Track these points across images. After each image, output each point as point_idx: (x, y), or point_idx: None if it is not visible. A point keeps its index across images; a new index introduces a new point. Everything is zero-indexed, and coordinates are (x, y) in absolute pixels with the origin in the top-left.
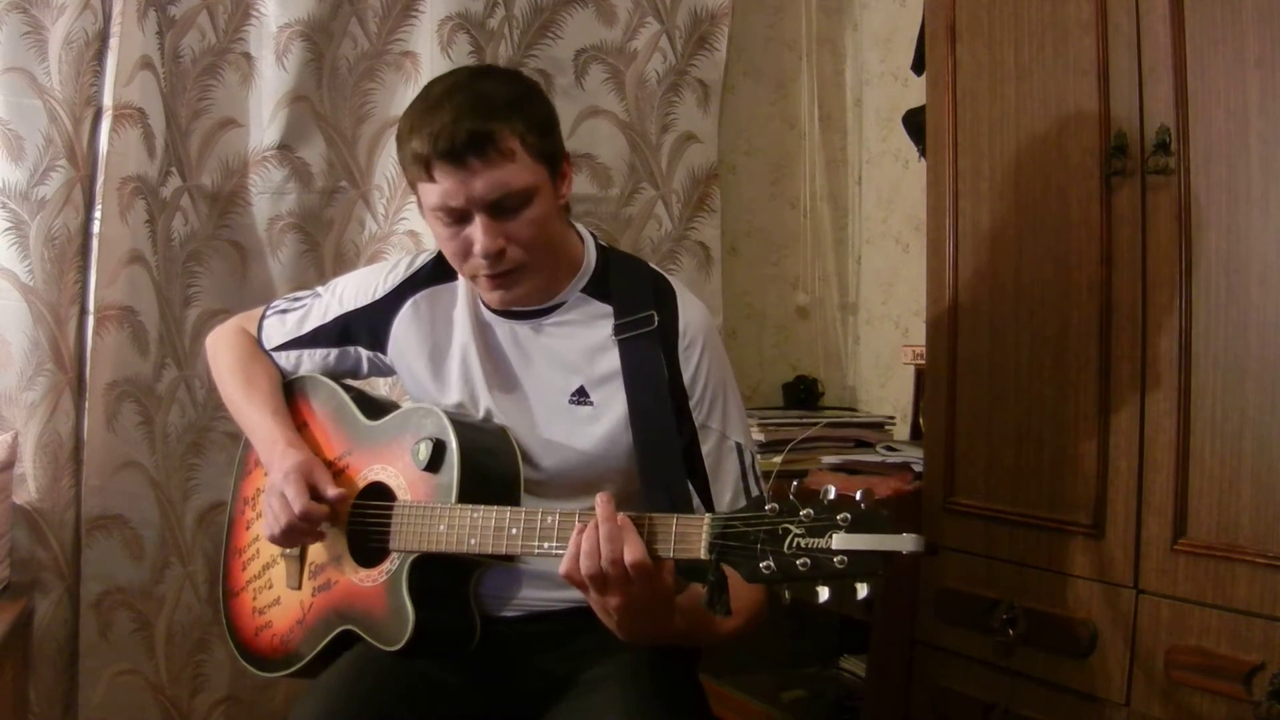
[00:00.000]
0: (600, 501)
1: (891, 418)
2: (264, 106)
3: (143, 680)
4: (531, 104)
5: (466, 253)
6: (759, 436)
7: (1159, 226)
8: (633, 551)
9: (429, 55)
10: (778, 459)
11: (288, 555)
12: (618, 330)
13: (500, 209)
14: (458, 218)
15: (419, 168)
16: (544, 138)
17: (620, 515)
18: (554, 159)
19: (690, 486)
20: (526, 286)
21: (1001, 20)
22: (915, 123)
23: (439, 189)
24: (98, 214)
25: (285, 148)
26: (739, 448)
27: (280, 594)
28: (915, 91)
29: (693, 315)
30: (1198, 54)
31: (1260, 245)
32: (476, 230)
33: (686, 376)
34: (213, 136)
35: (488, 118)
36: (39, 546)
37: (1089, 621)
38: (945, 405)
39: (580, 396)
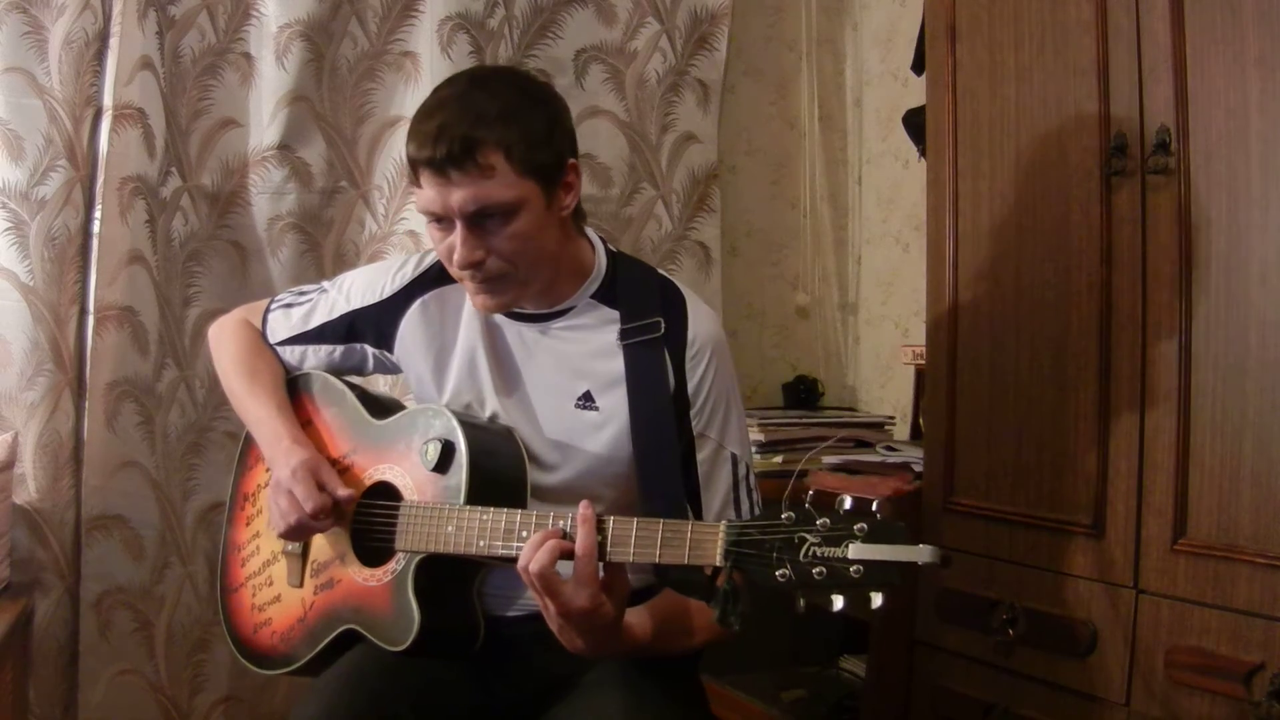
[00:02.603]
0: (581, 505)
1: (891, 418)
2: (264, 106)
3: (143, 680)
4: (526, 114)
5: (451, 257)
6: (759, 436)
7: (1159, 226)
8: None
9: (429, 55)
10: (778, 459)
11: (289, 552)
12: (623, 335)
13: (480, 220)
14: (443, 223)
15: (411, 170)
16: (536, 149)
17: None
18: (548, 171)
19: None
20: (512, 295)
21: (1001, 20)
22: (915, 123)
23: (424, 194)
24: (98, 214)
25: (285, 148)
26: (734, 459)
27: (281, 591)
28: (915, 91)
29: (702, 325)
30: (1198, 54)
31: (1260, 245)
32: (456, 238)
33: (691, 385)
34: (213, 136)
35: (471, 129)
36: (39, 546)
37: (1089, 621)
38: (945, 405)
39: (586, 401)
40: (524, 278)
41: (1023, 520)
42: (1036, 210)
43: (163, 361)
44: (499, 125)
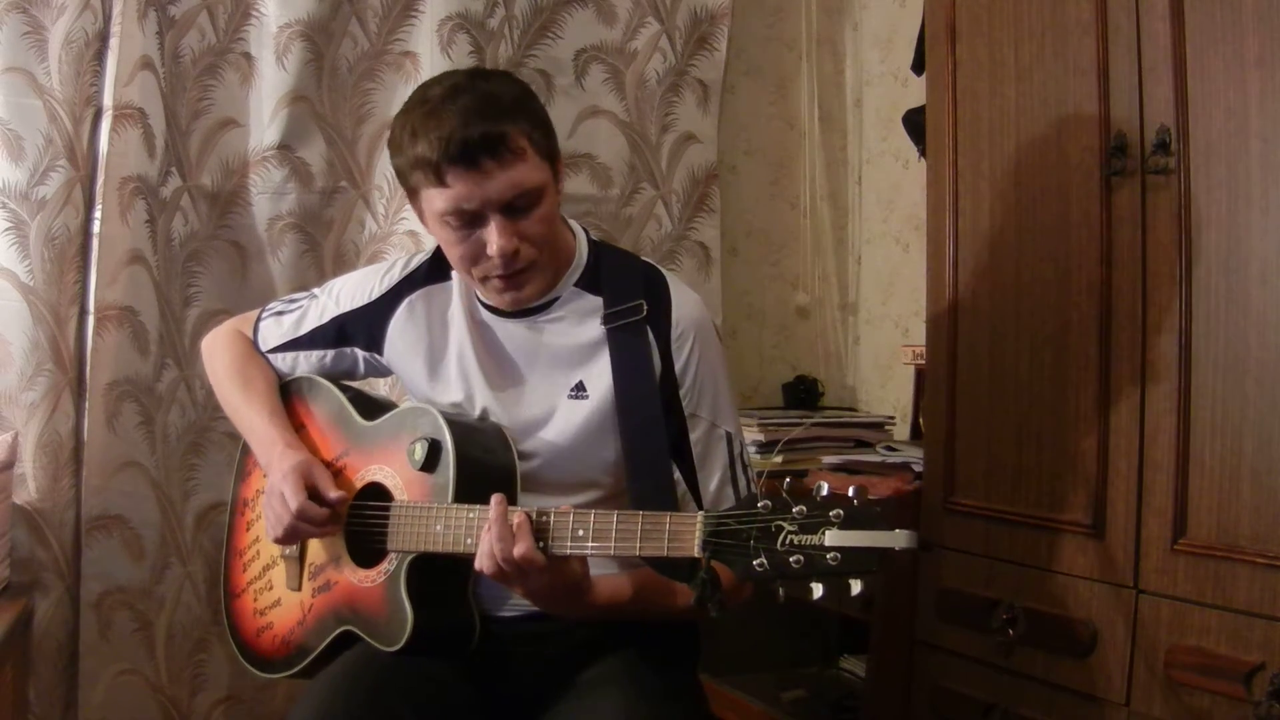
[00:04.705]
0: (493, 502)
1: (891, 418)
2: (264, 106)
3: (143, 680)
4: (533, 103)
5: (478, 256)
6: (759, 436)
7: (1159, 226)
8: (521, 549)
9: (429, 55)
10: (778, 459)
11: (287, 556)
12: (606, 319)
13: (514, 208)
14: (470, 221)
15: (425, 173)
16: (549, 136)
17: (517, 514)
18: (556, 157)
19: (677, 474)
20: (536, 285)
21: (1001, 20)
22: (915, 123)
23: (451, 193)
24: (98, 214)
25: (285, 148)
26: (728, 437)
27: (281, 595)
28: (915, 91)
29: (685, 307)
30: (1198, 54)
31: (1260, 245)
32: (491, 232)
33: (678, 366)
34: (213, 136)
35: (498, 118)
36: (39, 546)
37: (1089, 621)
38: (945, 405)
39: (579, 391)
40: (545, 263)
41: (1023, 520)
42: (1036, 210)
43: (163, 361)
44: (518, 112)
